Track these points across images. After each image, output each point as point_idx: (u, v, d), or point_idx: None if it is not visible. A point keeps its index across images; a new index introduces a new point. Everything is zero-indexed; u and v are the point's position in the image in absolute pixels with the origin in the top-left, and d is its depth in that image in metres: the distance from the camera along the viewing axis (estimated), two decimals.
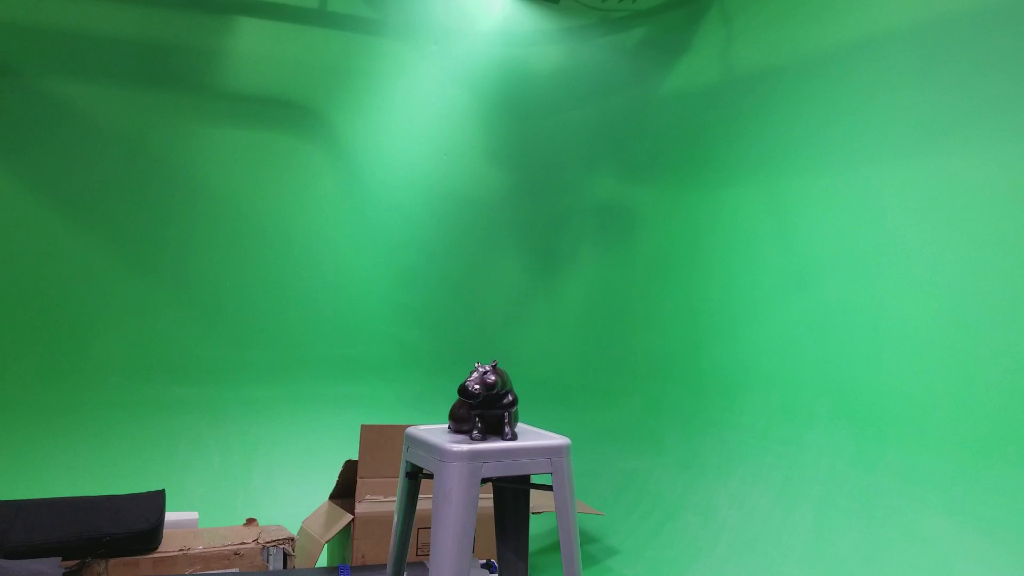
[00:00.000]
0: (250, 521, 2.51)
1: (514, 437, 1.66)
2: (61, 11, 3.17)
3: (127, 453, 3.14)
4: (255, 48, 3.45)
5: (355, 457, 2.65)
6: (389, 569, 1.80)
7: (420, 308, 3.81)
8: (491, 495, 2.42)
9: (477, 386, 1.57)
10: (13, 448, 3.00)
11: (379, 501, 2.56)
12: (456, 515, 1.53)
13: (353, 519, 2.45)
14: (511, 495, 1.87)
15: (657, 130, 3.90)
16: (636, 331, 3.89)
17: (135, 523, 2.18)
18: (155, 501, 2.28)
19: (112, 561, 2.13)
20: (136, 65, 3.28)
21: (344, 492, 2.69)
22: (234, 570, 2.25)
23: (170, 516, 2.45)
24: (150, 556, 2.17)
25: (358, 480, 2.58)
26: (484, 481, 1.58)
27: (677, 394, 3.56)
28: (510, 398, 1.67)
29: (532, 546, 3.08)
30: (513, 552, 1.87)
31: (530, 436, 1.72)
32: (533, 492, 2.62)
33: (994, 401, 2.25)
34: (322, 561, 2.81)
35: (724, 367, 3.30)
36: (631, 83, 4.00)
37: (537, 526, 3.21)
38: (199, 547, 2.24)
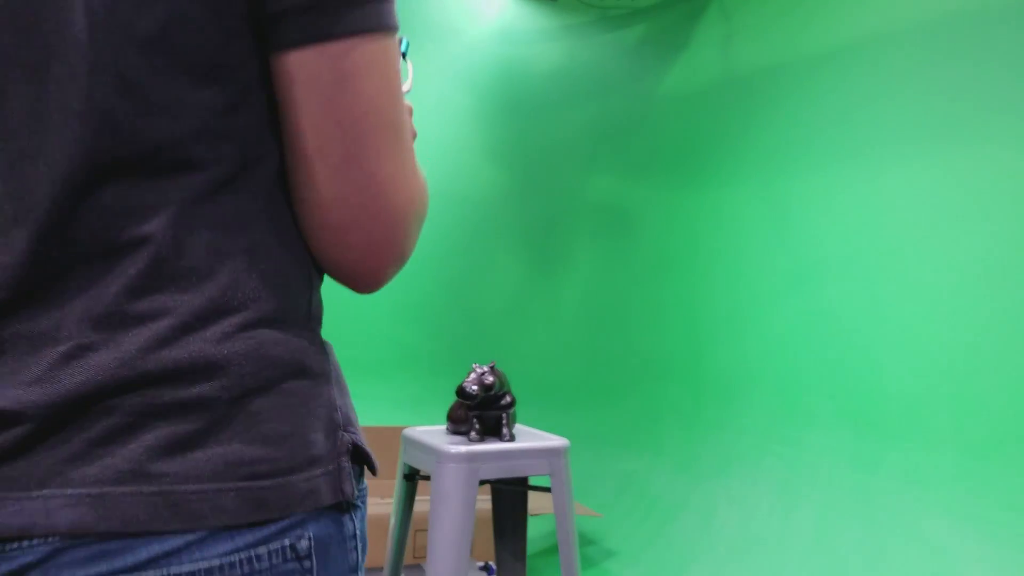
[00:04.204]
0: None
1: (512, 438, 1.65)
2: None
3: None
4: None
5: None
6: (386, 572, 1.78)
7: (418, 308, 3.79)
8: (489, 497, 2.41)
9: (475, 387, 1.56)
10: None
11: (376, 503, 2.54)
12: (454, 517, 1.51)
13: None
14: (509, 497, 1.86)
15: (656, 128, 3.88)
16: (635, 332, 3.87)
17: None
18: None
19: None
20: None
21: None
22: None
23: None
24: None
25: None
26: (482, 483, 1.57)
27: (677, 395, 3.54)
28: (508, 399, 1.65)
29: (530, 548, 3.07)
30: (511, 554, 1.85)
31: (528, 437, 1.70)
32: (531, 494, 2.60)
33: (995, 402, 2.24)
34: None
35: (724, 368, 3.29)
36: (630, 81, 3.99)
37: (535, 528, 3.19)
38: None
